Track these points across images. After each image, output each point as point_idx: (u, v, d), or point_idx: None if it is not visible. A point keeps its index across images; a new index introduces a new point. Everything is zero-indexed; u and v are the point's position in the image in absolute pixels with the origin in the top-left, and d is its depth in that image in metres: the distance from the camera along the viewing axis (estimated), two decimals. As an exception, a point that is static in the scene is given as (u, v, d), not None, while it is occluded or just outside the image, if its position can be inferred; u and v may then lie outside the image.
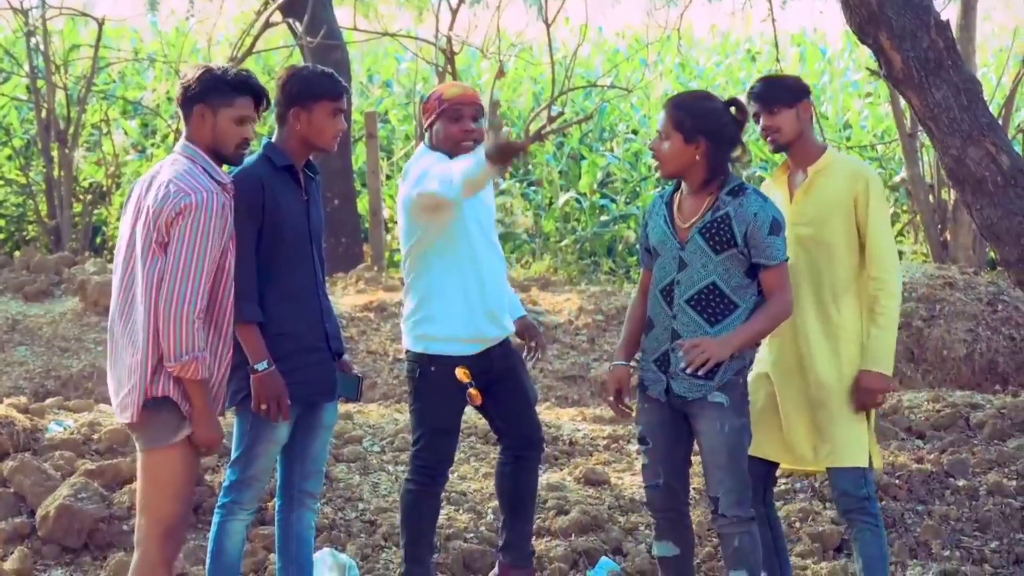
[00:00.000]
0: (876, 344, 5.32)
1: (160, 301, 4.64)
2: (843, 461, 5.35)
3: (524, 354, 5.89)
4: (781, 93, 5.43)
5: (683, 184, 5.27)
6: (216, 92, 4.81)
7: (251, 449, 5.11)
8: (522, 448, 5.78)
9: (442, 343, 5.56)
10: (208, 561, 5.20)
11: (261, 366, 4.98)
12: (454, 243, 5.55)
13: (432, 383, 5.60)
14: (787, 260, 5.18)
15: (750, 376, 5.40)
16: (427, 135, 5.70)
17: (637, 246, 13.90)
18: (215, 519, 5.18)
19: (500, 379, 5.68)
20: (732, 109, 5.24)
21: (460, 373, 5.55)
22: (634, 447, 7.27)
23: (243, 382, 5.02)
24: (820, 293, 5.34)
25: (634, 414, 5.39)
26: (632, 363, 5.39)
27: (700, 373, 5.07)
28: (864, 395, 5.31)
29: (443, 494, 6.62)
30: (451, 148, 5.59)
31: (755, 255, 5.12)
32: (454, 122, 5.59)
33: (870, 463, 5.37)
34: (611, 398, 5.35)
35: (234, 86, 4.84)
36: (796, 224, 5.34)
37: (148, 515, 4.83)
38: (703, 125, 5.14)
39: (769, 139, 5.44)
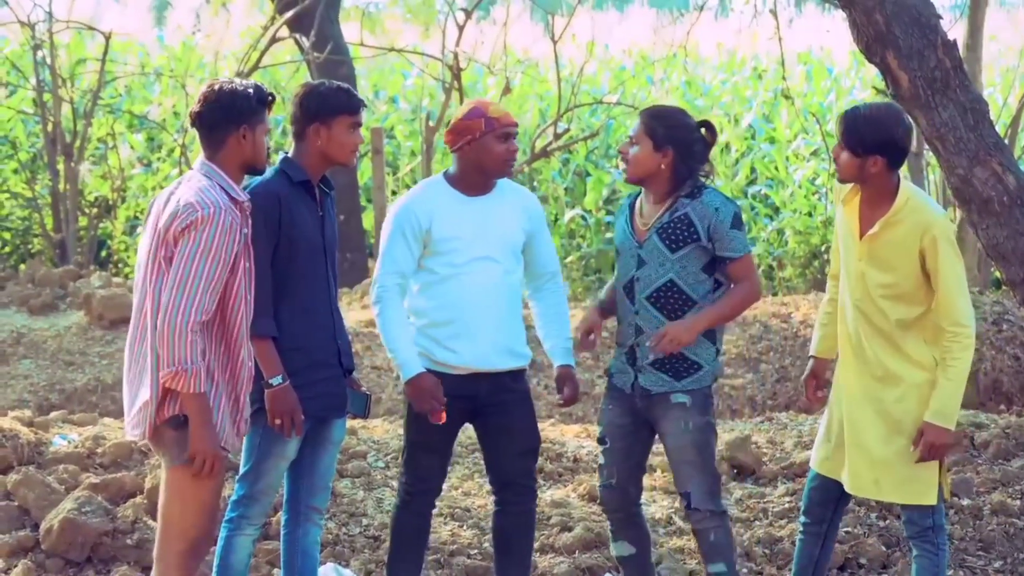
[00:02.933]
0: (944, 397, 5.15)
1: (159, 311, 4.63)
2: (909, 499, 5.28)
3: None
4: (851, 134, 5.16)
5: (643, 191, 5.40)
6: (252, 113, 4.81)
7: (260, 464, 5.11)
8: (501, 490, 5.57)
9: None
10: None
11: (276, 381, 4.98)
12: (444, 268, 5.42)
13: None
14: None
15: (831, 395, 5.44)
16: (457, 156, 5.43)
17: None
18: (222, 533, 5.17)
19: (485, 413, 5.48)
20: (702, 130, 5.37)
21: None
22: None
23: (254, 396, 5.01)
24: (886, 329, 5.22)
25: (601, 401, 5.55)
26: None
27: (667, 353, 5.21)
28: (926, 449, 5.15)
29: (448, 510, 6.63)
30: (496, 168, 5.39)
31: (719, 248, 5.25)
32: (503, 141, 5.36)
33: (940, 494, 5.28)
34: (578, 334, 5.46)
35: (262, 101, 4.85)
36: (862, 261, 5.23)
37: (172, 531, 4.78)
38: (674, 136, 5.29)
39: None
